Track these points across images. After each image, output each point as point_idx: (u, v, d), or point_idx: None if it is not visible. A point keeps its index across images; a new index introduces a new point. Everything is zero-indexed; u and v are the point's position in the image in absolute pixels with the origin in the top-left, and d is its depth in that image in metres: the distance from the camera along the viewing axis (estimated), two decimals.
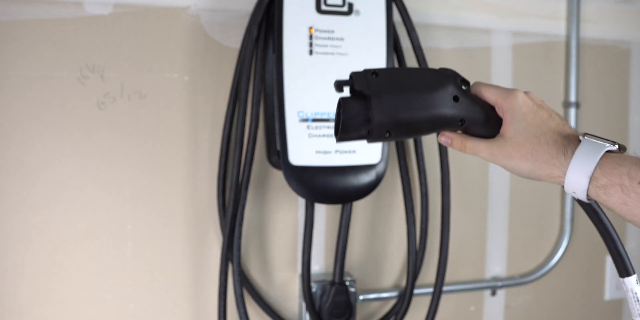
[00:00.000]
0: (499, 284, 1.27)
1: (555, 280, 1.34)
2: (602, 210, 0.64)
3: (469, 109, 0.65)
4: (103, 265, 1.00)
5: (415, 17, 1.10)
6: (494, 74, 1.27)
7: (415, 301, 1.14)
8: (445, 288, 1.22)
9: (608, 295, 1.40)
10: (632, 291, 0.63)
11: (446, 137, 0.68)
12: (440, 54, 1.22)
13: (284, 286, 1.13)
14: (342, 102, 0.63)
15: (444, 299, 1.24)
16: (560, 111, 1.34)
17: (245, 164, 0.99)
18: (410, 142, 1.14)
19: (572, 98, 1.32)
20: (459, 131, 0.68)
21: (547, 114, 0.64)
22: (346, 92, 0.65)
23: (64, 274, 0.98)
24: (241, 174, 0.99)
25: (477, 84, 0.67)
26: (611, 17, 1.38)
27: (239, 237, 0.98)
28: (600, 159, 0.58)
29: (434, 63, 1.17)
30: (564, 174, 0.60)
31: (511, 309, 1.31)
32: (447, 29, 1.22)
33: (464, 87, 0.66)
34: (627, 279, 0.63)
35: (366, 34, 1.00)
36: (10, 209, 0.95)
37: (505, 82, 1.28)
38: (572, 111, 1.32)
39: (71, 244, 0.99)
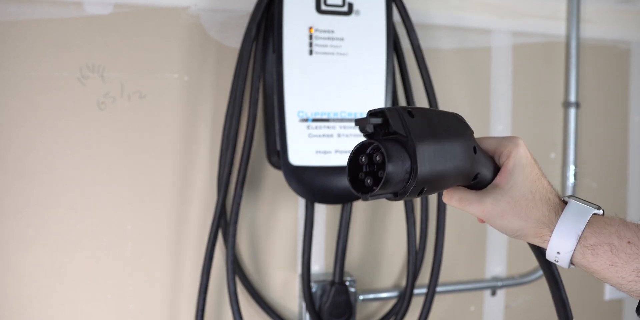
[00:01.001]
0: (499, 284, 1.27)
1: None
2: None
3: (483, 163, 0.58)
4: (103, 265, 1.00)
5: (415, 17, 1.10)
6: (494, 74, 1.27)
7: (415, 301, 1.14)
8: (445, 288, 1.22)
9: (608, 295, 1.40)
10: None
11: (449, 196, 0.61)
12: (440, 54, 1.22)
13: (284, 286, 1.13)
14: (381, 147, 0.50)
15: (444, 299, 1.24)
16: (560, 111, 1.34)
17: (241, 163, 0.99)
18: None
19: (572, 98, 1.32)
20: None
21: (539, 171, 0.61)
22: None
23: (64, 274, 0.98)
24: (238, 172, 0.99)
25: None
26: (611, 17, 1.38)
27: (233, 235, 0.98)
28: (589, 220, 0.57)
29: (434, 63, 1.17)
30: (551, 232, 0.58)
31: (511, 309, 1.31)
32: (447, 29, 1.22)
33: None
34: None
35: (366, 34, 1.00)
36: (10, 209, 0.95)
37: (505, 82, 1.28)
38: (572, 111, 1.32)
39: (71, 244, 0.98)
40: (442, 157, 0.53)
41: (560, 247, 0.57)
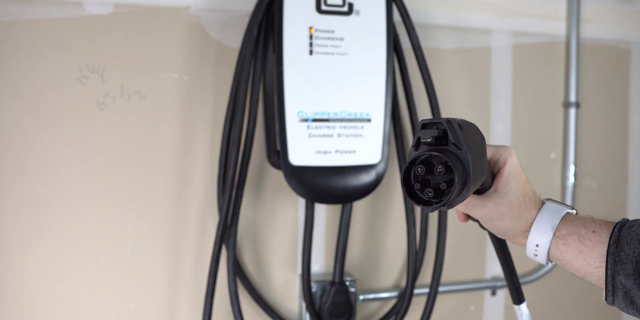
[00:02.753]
0: (499, 284, 1.27)
1: (555, 280, 1.34)
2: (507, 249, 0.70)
3: (488, 170, 0.62)
4: (103, 265, 1.00)
5: (415, 17, 1.10)
6: (494, 74, 1.27)
7: (415, 301, 1.14)
8: (445, 288, 1.22)
9: None
10: (526, 314, 0.80)
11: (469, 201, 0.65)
12: (440, 54, 1.22)
13: (284, 286, 1.13)
14: (449, 160, 0.50)
15: (444, 299, 1.24)
16: (560, 111, 1.34)
17: (242, 164, 0.99)
18: (409, 141, 1.14)
19: (572, 98, 1.32)
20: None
21: (524, 175, 0.66)
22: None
23: (64, 274, 0.98)
24: (237, 173, 0.99)
25: None
26: (611, 17, 1.38)
27: (234, 237, 0.98)
28: (562, 217, 0.64)
29: (434, 63, 1.17)
30: (530, 227, 0.64)
31: (511, 309, 1.31)
32: (447, 29, 1.22)
33: None
34: (522, 306, 0.79)
35: (366, 34, 1.00)
36: (10, 209, 0.95)
37: (505, 82, 1.28)
38: (572, 111, 1.32)
39: (71, 244, 0.98)
40: (480, 170, 0.56)
41: (538, 239, 0.63)
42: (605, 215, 0.66)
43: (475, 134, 0.57)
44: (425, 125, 0.53)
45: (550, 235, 0.63)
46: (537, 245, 0.64)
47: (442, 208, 0.52)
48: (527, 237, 0.65)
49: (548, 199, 0.67)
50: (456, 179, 0.50)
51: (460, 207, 0.65)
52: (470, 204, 0.64)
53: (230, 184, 0.99)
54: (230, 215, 0.99)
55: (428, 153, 0.52)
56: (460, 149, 0.52)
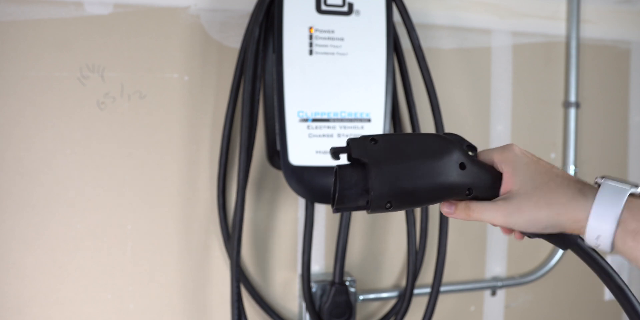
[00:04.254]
0: (499, 284, 1.27)
1: (555, 280, 1.34)
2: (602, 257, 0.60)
3: (477, 176, 0.60)
4: (103, 265, 1.00)
5: (415, 17, 1.10)
6: (494, 74, 1.27)
7: (415, 301, 1.14)
8: (445, 288, 1.22)
9: (608, 295, 1.40)
10: None
11: (448, 208, 0.62)
12: (440, 54, 1.22)
13: (284, 286, 1.13)
14: (337, 171, 0.59)
15: (444, 299, 1.24)
16: (560, 111, 1.34)
17: (246, 166, 0.98)
18: None
19: (572, 98, 1.32)
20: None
21: (549, 164, 0.60)
22: (343, 158, 0.60)
23: (64, 274, 0.98)
24: (242, 177, 0.99)
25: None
26: (611, 17, 1.38)
27: (239, 239, 0.98)
28: (626, 201, 0.54)
29: (434, 63, 1.17)
30: (587, 217, 0.54)
31: (511, 309, 1.31)
32: (447, 29, 1.22)
33: (470, 153, 0.61)
34: None
35: (366, 34, 1.00)
36: (10, 209, 0.95)
37: (505, 82, 1.28)
38: (572, 111, 1.32)
39: (71, 244, 0.98)
40: (408, 176, 0.58)
41: (599, 230, 0.54)
42: None
43: (420, 143, 0.60)
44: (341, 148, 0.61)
45: (613, 226, 0.53)
46: (599, 236, 0.54)
47: (342, 209, 0.60)
48: (579, 224, 0.55)
49: (605, 177, 0.57)
50: (336, 186, 0.58)
51: (476, 215, 0.60)
52: (484, 211, 0.59)
53: (230, 184, 0.99)
54: (239, 219, 0.98)
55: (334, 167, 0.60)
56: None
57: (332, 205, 0.60)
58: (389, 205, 0.58)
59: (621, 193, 0.54)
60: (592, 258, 0.60)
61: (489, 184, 0.61)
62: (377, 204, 0.58)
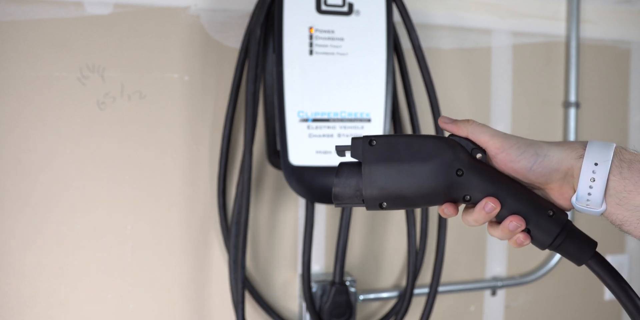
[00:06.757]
0: (499, 284, 1.27)
1: (555, 280, 1.34)
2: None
3: (476, 183, 0.58)
4: (103, 265, 1.00)
5: (415, 17, 1.10)
6: (494, 74, 1.27)
7: (415, 301, 1.14)
8: (445, 288, 1.22)
9: (608, 295, 1.40)
10: None
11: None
12: (440, 54, 1.22)
13: (284, 286, 1.13)
14: (338, 167, 0.61)
15: (444, 299, 1.24)
16: (560, 111, 1.34)
17: (249, 168, 0.98)
18: None
19: (572, 98, 1.32)
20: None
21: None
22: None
23: (64, 274, 0.98)
24: (244, 179, 0.99)
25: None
26: (611, 17, 1.38)
27: (244, 243, 0.98)
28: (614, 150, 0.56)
29: (434, 63, 1.18)
30: (583, 152, 0.55)
31: (511, 309, 1.31)
32: (447, 29, 1.22)
33: (479, 156, 0.59)
34: None
35: (366, 34, 1.00)
36: (10, 209, 0.95)
37: (505, 82, 1.28)
38: (572, 111, 1.32)
39: (71, 244, 0.98)
40: (398, 178, 0.59)
41: (598, 157, 0.54)
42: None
43: (419, 146, 0.60)
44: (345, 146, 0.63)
45: (609, 154, 0.54)
46: (596, 164, 0.54)
47: (341, 205, 0.62)
48: (577, 153, 0.56)
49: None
50: (334, 183, 0.60)
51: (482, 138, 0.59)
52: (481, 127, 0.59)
53: (230, 185, 0.99)
54: (244, 220, 0.98)
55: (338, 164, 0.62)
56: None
57: (333, 200, 0.62)
58: (384, 204, 0.60)
59: (609, 145, 0.56)
60: (610, 271, 0.61)
61: (490, 191, 0.58)
62: (371, 204, 0.60)
